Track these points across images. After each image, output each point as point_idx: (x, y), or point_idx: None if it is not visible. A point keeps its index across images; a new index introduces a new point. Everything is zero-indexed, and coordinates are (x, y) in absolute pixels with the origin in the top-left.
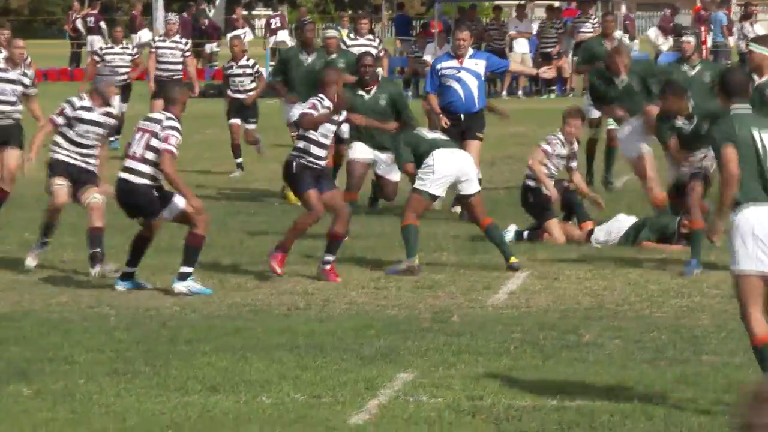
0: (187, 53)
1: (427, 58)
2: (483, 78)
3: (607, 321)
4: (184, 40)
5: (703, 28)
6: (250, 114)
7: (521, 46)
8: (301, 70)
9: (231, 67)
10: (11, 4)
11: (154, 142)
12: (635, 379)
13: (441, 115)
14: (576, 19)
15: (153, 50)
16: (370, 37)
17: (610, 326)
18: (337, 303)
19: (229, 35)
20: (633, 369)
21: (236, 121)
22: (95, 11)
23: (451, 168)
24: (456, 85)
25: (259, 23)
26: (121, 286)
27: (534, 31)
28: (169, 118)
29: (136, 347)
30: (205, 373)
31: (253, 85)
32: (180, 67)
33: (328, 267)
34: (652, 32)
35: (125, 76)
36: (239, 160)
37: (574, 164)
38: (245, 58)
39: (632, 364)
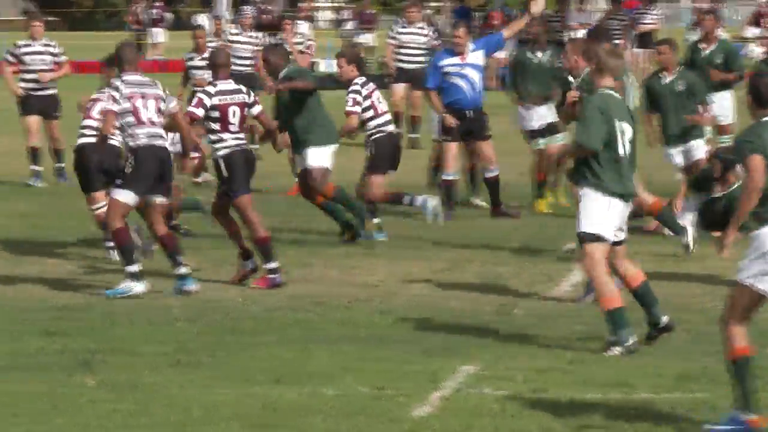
0: (260, 48)
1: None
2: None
3: (672, 313)
4: (260, 34)
5: None
6: None
7: None
8: None
9: (192, 59)
10: None
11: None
12: (699, 371)
13: (445, 114)
14: (638, 11)
15: (225, 44)
16: (421, 25)
17: (674, 319)
18: (399, 295)
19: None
20: (697, 361)
21: None
22: (160, 2)
23: None
24: (461, 82)
25: (323, 15)
26: (192, 286)
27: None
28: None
29: (199, 339)
30: (268, 364)
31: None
32: (251, 62)
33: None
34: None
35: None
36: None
37: None
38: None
39: (697, 357)
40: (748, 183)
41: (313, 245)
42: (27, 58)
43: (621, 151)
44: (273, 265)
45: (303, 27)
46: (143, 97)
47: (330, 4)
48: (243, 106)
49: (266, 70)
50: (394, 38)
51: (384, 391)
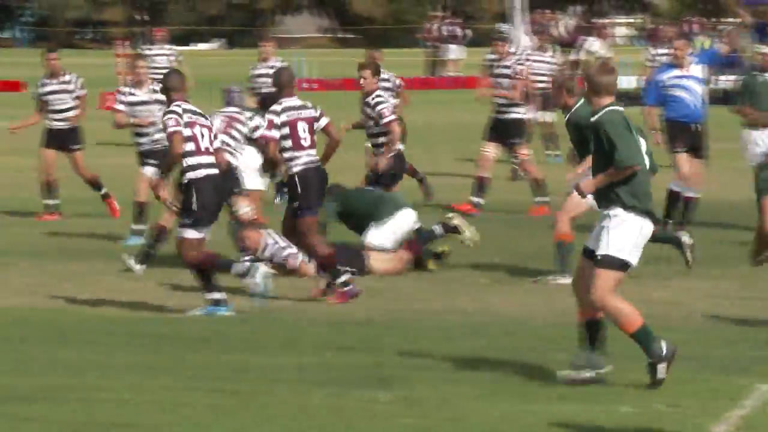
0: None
1: None
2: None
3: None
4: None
5: None
6: None
7: None
8: None
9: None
10: (371, 12)
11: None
12: None
13: (656, 132)
14: None
15: (522, 64)
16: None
17: None
18: (683, 311)
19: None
20: None
21: None
22: (456, 20)
23: None
24: (685, 94)
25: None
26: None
27: None
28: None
29: (477, 353)
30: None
31: None
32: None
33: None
34: None
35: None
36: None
37: None
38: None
39: None
40: None
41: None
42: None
43: (646, 166)
44: (343, 278)
45: (595, 45)
46: (300, 120)
47: (626, 20)
48: (311, 121)
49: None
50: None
51: (680, 408)
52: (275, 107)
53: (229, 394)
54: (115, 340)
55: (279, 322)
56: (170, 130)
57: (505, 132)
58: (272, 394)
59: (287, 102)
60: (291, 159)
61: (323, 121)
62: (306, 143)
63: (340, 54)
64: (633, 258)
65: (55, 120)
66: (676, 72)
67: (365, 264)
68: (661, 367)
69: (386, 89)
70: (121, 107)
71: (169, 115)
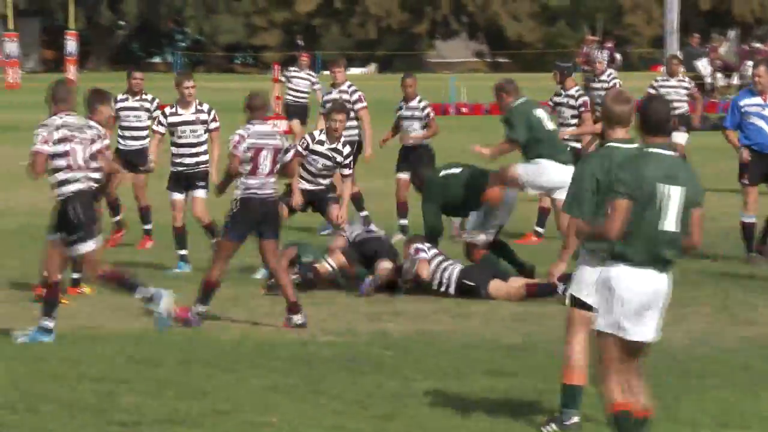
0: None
1: None
2: None
3: None
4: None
5: None
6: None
7: None
8: None
9: (400, 108)
10: (525, 37)
11: None
12: None
13: (742, 149)
14: None
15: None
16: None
17: None
18: None
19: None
20: None
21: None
22: (610, 44)
23: None
24: (761, 123)
25: None
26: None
27: None
28: None
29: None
30: (714, 407)
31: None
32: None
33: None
34: None
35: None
36: None
37: None
38: (417, 99)
39: None
40: None
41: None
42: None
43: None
44: (203, 308)
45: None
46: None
47: None
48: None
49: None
50: None
51: None
52: (243, 131)
53: (386, 419)
54: (270, 363)
55: (439, 347)
56: (232, 150)
57: None
58: (434, 419)
59: (257, 128)
60: (242, 183)
61: (289, 155)
62: (263, 171)
63: (492, 78)
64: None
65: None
66: (757, 99)
67: (487, 289)
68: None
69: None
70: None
71: (235, 135)
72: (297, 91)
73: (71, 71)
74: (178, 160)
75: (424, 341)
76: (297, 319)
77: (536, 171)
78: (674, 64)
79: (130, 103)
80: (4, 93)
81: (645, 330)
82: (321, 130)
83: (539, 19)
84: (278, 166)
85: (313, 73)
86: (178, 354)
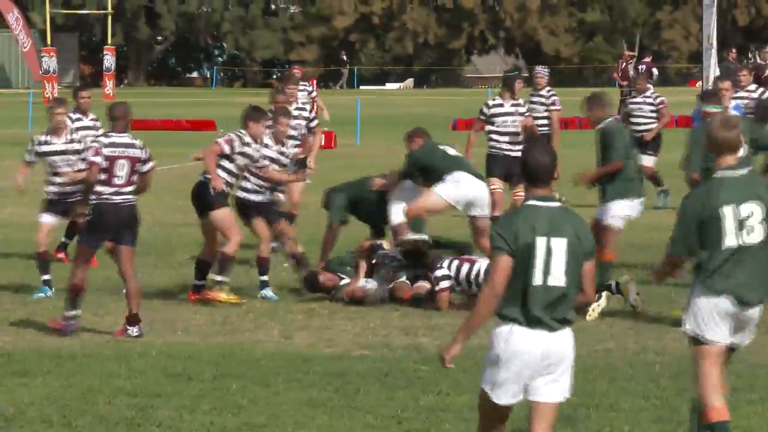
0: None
1: None
2: None
3: None
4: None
5: None
6: None
7: None
8: None
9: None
10: (562, 53)
11: None
12: None
13: None
14: None
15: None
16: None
17: None
18: None
19: None
20: None
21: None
22: (647, 59)
23: None
24: None
25: None
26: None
27: None
28: None
29: (682, 395)
30: (751, 423)
31: None
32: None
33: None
34: None
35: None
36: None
37: None
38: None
39: None
40: None
41: None
42: None
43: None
44: (73, 312)
45: None
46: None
47: None
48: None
49: None
50: None
51: None
52: (103, 139)
53: None
54: (308, 378)
55: (474, 361)
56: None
57: None
58: None
59: (115, 138)
60: (97, 191)
61: (148, 166)
62: (119, 181)
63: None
64: None
65: None
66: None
67: None
68: None
69: None
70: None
71: (95, 144)
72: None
73: (109, 86)
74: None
75: (460, 355)
76: (133, 330)
77: (452, 185)
78: (641, 81)
79: (85, 122)
80: (42, 108)
81: None
82: (264, 134)
83: (576, 34)
84: (136, 176)
85: (307, 83)
86: (213, 368)
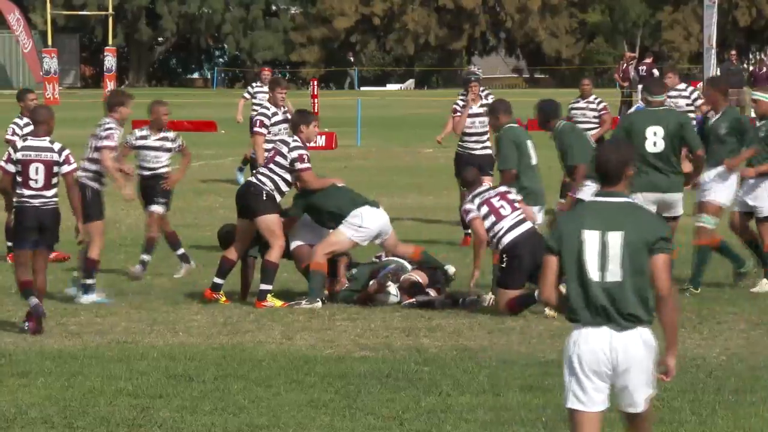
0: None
1: None
2: None
3: None
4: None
5: None
6: None
7: None
8: None
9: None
10: (563, 53)
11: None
12: None
13: None
14: None
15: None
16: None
17: None
18: None
19: None
20: None
21: None
22: (648, 60)
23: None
24: None
25: None
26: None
27: None
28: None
29: (682, 396)
30: (751, 424)
31: None
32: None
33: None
34: None
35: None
36: None
37: None
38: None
39: None
40: None
41: None
42: None
43: None
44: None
45: None
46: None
47: None
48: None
49: None
50: None
51: None
52: (19, 143)
53: None
54: (310, 379)
55: (475, 362)
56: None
57: None
58: None
59: (31, 142)
60: (17, 194)
61: (65, 168)
62: (36, 185)
63: (530, 94)
64: None
65: None
66: None
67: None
68: None
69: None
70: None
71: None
72: (263, 106)
73: (110, 87)
74: None
75: (461, 356)
76: (26, 325)
77: (359, 224)
78: (585, 85)
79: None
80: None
81: None
82: (142, 128)
83: (577, 35)
84: (56, 179)
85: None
86: (214, 369)
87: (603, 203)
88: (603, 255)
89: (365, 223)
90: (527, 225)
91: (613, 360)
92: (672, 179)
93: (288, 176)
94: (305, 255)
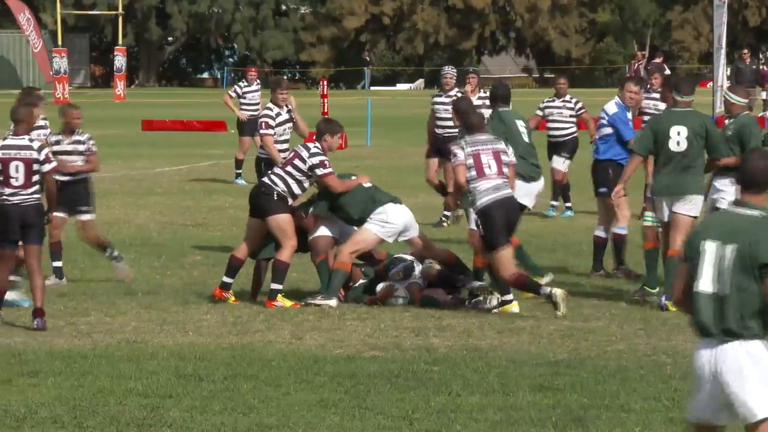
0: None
1: None
2: None
3: None
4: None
5: None
6: None
7: None
8: None
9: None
10: (572, 53)
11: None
12: None
13: None
14: None
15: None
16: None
17: None
18: None
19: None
20: None
21: None
22: (658, 60)
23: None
24: None
25: None
26: None
27: None
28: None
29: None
30: None
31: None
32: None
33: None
34: None
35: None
36: None
37: None
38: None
39: None
40: None
41: None
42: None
43: None
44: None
45: None
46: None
47: None
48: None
49: None
50: None
51: None
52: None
53: None
54: (319, 379)
55: (485, 362)
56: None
57: None
58: None
59: (9, 140)
60: (0, 192)
61: (47, 167)
62: (16, 183)
63: (540, 94)
64: None
65: None
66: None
67: None
68: None
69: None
70: None
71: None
72: (251, 104)
73: (120, 87)
74: None
75: (471, 356)
76: (36, 322)
77: (385, 219)
78: (561, 84)
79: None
80: (52, 109)
81: None
82: (51, 132)
83: (587, 35)
84: (36, 177)
85: (259, 85)
86: (224, 369)
87: (733, 214)
88: (718, 267)
89: (390, 219)
90: (505, 192)
91: (715, 371)
92: (692, 179)
93: (304, 180)
94: (321, 247)
